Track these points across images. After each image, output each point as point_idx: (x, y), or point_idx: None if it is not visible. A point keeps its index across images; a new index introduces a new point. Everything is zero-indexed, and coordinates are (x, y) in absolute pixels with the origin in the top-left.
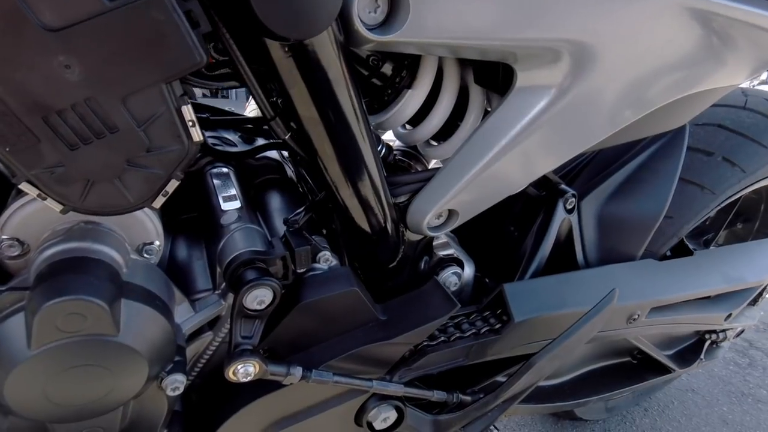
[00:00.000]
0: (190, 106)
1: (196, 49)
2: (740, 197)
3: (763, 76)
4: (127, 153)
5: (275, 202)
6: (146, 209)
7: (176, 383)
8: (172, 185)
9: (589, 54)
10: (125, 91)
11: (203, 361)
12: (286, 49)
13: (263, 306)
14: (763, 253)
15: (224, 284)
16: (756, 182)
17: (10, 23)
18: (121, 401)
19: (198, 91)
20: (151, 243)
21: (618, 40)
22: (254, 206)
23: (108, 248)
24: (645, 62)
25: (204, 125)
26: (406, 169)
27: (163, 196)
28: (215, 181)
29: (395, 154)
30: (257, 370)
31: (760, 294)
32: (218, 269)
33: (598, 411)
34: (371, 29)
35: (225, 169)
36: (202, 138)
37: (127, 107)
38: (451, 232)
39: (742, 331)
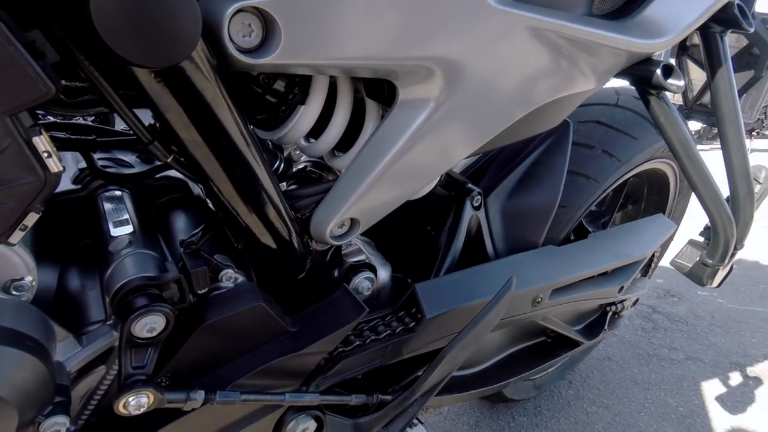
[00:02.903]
0: (43, 136)
1: (41, 80)
2: (625, 182)
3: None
4: None
5: (179, 222)
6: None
7: (56, 426)
8: (31, 218)
9: (457, 70)
10: None
11: (98, 396)
12: (153, 75)
13: (155, 333)
14: (645, 230)
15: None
16: (631, 169)
17: None
18: None
19: None
20: (21, 279)
21: (480, 57)
22: (156, 229)
23: None
24: (507, 75)
25: (93, 147)
26: (317, 181)
27: (21, 230)
28: (107, 206)
29: (306, 166)
30: (152, 400)
31: (648, 266)
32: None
33: (527, 390)
34: (246, 53)
35: (118, 192)
36: (61, 168)
37: None
38: (369, 236)
39: (637, 300)
